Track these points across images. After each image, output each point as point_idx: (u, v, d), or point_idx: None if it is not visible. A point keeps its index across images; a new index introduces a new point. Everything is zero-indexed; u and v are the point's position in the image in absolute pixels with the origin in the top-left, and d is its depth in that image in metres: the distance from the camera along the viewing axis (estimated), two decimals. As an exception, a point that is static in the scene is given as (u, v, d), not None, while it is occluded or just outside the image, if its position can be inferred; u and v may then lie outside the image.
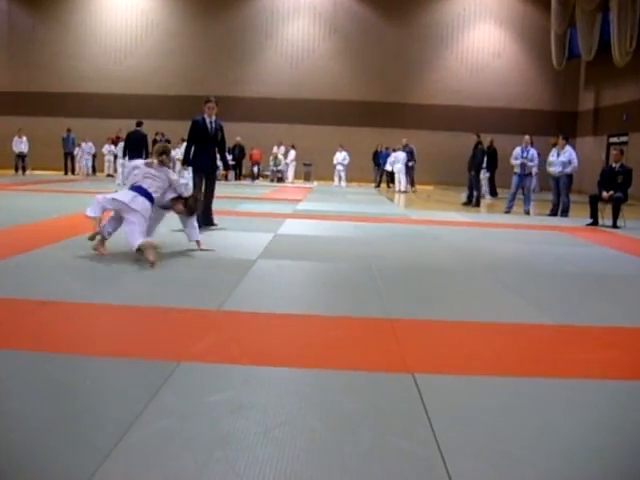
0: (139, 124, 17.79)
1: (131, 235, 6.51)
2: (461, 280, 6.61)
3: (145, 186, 6.82)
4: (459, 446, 2.71)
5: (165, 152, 7.27)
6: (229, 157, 27.59)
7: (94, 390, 3.23)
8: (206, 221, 9.36)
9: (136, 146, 17.45)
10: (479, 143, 17.80)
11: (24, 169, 25.92)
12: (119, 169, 19.94)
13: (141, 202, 6.67)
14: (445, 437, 2.76)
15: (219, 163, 10.12)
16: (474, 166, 17.44)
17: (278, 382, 3.41)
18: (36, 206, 12.72)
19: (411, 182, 23.99)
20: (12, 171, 25.74)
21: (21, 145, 25.64)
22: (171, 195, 7.12)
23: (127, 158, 17.46)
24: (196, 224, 7.41)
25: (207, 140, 9.44)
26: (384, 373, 3.58)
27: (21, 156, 25.77)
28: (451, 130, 29.19)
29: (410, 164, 23.32)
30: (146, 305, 4.91)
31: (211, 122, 9.48)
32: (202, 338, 4.08)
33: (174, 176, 7.24)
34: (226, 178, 27.02)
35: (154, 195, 6.86)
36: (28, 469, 2.39)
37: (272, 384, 3.37)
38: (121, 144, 19.99)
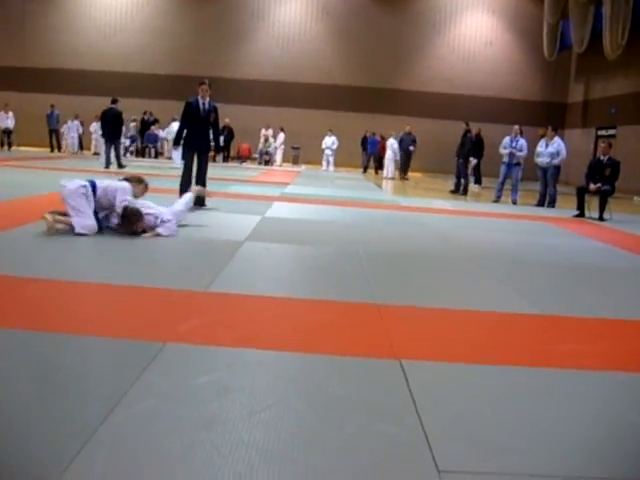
0: (114, 101, 17.63)
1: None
2: (448, 268, 6.62)
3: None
4: (445, 433, 2.71)
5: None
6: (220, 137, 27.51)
7: (79, 369, 3.20)
8: (198, 201, 9.38)
9: (112, 124, 17.35)
10: (468, 131, 17.82)
11: (9, 145, 25.69)
12: (101, 148, 19.79)
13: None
14: (431, 423, 2.76)
15: (212, 144, 10.29)
16: (462, 154, 17.46)
17: (264, 365, 3.40)
18: (20, 182, 12.56)
19: (405, 169, 24.00)
20: (-4, 146, 25.54)
21: (7, 120, 25.37)
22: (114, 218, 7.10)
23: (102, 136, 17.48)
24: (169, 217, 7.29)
25: (199, 121, 9.65)
26: (371, 358, 3.57)
27: (6, 131, 25.53)
28: (441, 118, 29.21)
29: (411, 148, 23.22)
30: (132, 285, 4.87)
31: (204, 103, 9.68)
32: (188, 319, 4.05)
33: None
34: (214, 159, 27.00)
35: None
36: (12, 447, 2.36)
37: (258, 367, 3.36)
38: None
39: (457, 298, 5.19)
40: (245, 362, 3.40)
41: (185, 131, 9.77)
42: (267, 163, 27.51)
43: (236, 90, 29.36)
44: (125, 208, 6.89)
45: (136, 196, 7.21)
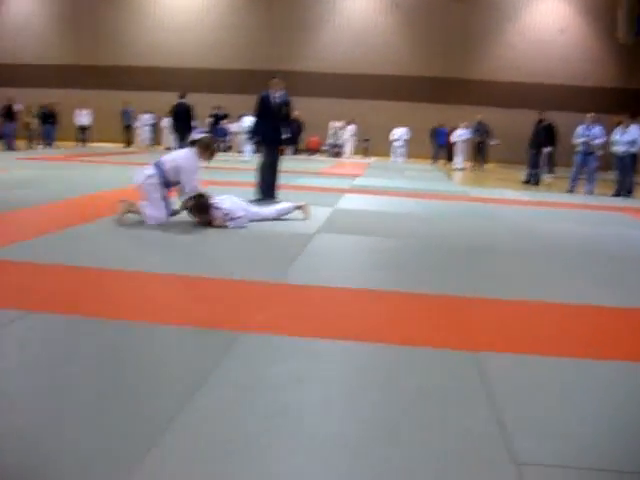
0: (182, 96, 17.79)
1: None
2: (521, 259, 6.49)
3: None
4: (522, 425, 2.68)
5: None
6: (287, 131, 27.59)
7: (158, 357, 3.29)
8: (269, 194, 9.49)
9: (182, 119, 17.51)
10: (541, 120, 17.42)
11: (84, 141, 26.37)
12: (172, 142, 20.10)
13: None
14: (508, 416, 2.74)
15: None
16: (535, 144, 17.10)
17: (339, 355, 3.42)
18: (93, 177, 12.95)
19: (482, 159, 23.64)
20: (73, 143, 26.24)
21: (82, 117, 26.07)
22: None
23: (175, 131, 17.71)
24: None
25: (271, 115, 9.62)
26: (446, 350, 3.55)
27: (82, 128, 26.23)
28: (511, 107, 28.59)
29: (492, 143, 22.91)
30: (208, 276, 4.96)
31: (275, 97, 9.65)
32: (264, 309, 4.11)
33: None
34: (283, 152, 27.14)
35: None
36: (91, 434, 2.45)
37: (333, 357, 3.38)
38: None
39: (531, 289, 5.11)
40: (320, 352, 3.43)
41: (258, 125, 9.82)
42: (337, 155, 27.49)
43: (306, 83, 29.40)
44: (194, 197, 7.08)
45: (202, 159, 7.41)
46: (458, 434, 2.58)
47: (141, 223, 7.03)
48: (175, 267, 5.27)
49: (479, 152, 23.52)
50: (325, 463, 2.31)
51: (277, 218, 7.84)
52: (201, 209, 7.12)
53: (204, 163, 7.55)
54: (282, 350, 3.42)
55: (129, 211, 7.17)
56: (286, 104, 9.82)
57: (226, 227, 7.08)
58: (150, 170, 7.25)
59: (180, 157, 7.30)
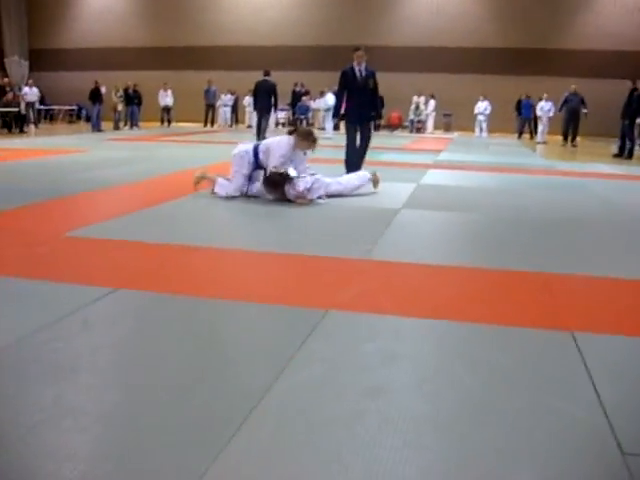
0: (267, 73, 17.66)
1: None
2: (614, 234, 6.20)
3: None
4: (627, 411, 2.52)
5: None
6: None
7: (244, 335, 3.26)
8: (351, 168, 9.30)
9: (265, 96, 17.41)
10: (634, 89, 16.66)
11: (169, 121, 26.87)
12: (252, 120, 20.16)
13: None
14: (611, 401, 2.57)
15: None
16: (628, 115, 16.36)
17: (428, 333, 3.32)
18: (181, 156, 13.15)
19: (574, 133, 21.53)
20: (158, 123, 26.74)
21: (166, 98, 26.52)
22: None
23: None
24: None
25: (358, 90, 9.23)
26: (538, 329, 3.39)
27: (166, 109, 26.70)
28: (602, 77, 27.49)
29: (584, 111, 21.51)
30: (293, 253, 4.93)
31: (360, 70, 9.25)
32: (349, 287, 4.03)
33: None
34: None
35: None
36: (179, 412, 2.42)
37: (422, 335, 3.28)
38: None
39: (627, 266, 4.84)
40: (408, 330, 3.33)
41: (341, 102, 9.50)
42: (419, 131, 27.14)
43: (385, 58, 29.01)
44: (271, 172, 7.11)
45: (300, 149, 7.34)
46: (558, 419, 2.44)
47: (223, 200, 7.09)
48: (259, 244, 5.25)
49: (571, 125, 21.43)
50: (417, 445, 2.22)
51: (354, 193, 7.72)
52: (275, 184, 7.09)
53: (309, 152, 7.52)
54: (369, 328, 3.34)
55: (203, 178, 7.56)
56: (372, 77, 9.40)
57: (305, 203, 7.01)
58: (247, 146, 7.36)
59: (274, 141, 7.33)
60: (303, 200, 7.04)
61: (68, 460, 2.05)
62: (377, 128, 26.91)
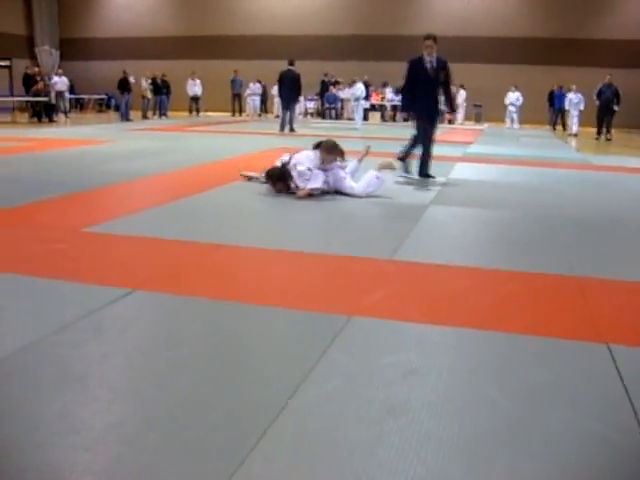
0: (291, 63, 17.48)
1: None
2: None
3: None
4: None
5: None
6: (397, 97, 27.10)
7: (263, 343, 3.12)
8: (424, 171, 8.78)
9: (290, 86, 17.24)
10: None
11: (197, 111, 26.83)
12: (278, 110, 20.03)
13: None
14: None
15: (443, 108, 9.37)
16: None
17: (454, 344, 3.14)
18: (210, 146, 13.08)
19: (608, 126, 20.33)
20: (187, 113, 26.72)
21: (195, 88, 26.47)
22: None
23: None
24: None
25: (427, 82, 8.59)
26: (572, 340, 3.21)
27: (195, 98, 26.66)
28: (636, 67, 26.93)
29: (615, 108, 20.30)
30: (317, 252, 4.78)
31: (431, 61, 8.60)
32: (374, 290, 3.87)
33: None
34: (393, 119, 26.70)
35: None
36: (195, 424, 2.30)
37: (448, 346, 3.11)
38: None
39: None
40: (434, 340, 3.17)
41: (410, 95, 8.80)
42: (449, 122, 26.80)
43: (415, 47, 28.71)
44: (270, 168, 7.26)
45: (323, 163, 7.10)
46: (596, 446, 2.26)
47: (251, 195, 6.99)
48: (285, 243, 5.08)
49: (605, 117, 20.27)
50: (444, 472, 2.06)
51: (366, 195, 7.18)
52: (276, 178, 7.10)
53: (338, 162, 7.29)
54: (393, 337, 3.18)
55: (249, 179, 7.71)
56: (443, 69, 8.70)
57: (303, 195, 6.90)
58: (284, 158, 7.33)
59: (301, 156, 7.13)
60: (303, 192, 6.89)
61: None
62: (406, 120, 26.69)
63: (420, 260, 4.62)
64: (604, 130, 20.43)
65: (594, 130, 20.81)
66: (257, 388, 2.60)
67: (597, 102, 20.22)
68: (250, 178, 7.87)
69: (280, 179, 7.06)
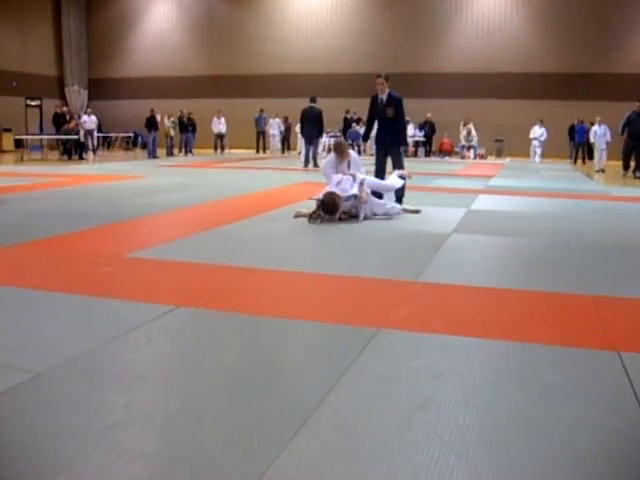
0: (313, 100, 17.75)
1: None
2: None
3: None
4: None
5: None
6: (420, 133, 27.46)
7: (299, 351, 3.42)
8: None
9: (311, 123, 17.52)
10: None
11: (222, 148, 27.37)
12: (302, 146, 20.37)
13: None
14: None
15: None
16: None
17: (476, 352, 3.41)
18: (234, 182, 13.49)
19: (637, 162, 17.83)
20: (212, 150, 27.28)
21: (220, 126, 27.04)
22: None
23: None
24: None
25: (379, 117, 9.43)
26: (587, 349, 3.46)
27: (220, 136, 27.22)
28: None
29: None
30: (345, 274, 5.07)
31: (381, 98, 9.35)
32: (400, 307, 4.16)
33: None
34: (415, 154, 27.05)
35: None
36: (238, 418, 2.58)
37: (470, 354, 3.37)
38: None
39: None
40: (457, 348, 3.43)
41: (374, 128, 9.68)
42: (477, 157, 26.98)
43: (436, 84, 29.20)
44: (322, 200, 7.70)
45: (340, 161, 8.41)
46: (605, 434, 2.51)
47: (277, 223, 7.34)
48: (315, 266, 5.40)
49: (635, 151, 17.83)
50: (464, 454, 2.32)
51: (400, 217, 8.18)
52: (329, 208, 7.54)
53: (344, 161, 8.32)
54: (419, 346, 3.45)
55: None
56: (394, 104, 9.40)
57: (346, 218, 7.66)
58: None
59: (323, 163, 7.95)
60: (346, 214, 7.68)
61: (138, 459, 2.21)
62: (428, 154, 27.04)
63: (443, 281, 4.90)
64: (634, 166, 17.98)
65: (617, 163, 19.58)
66: (296, 387, 2.89)
67: (621, 134, 18.17)
68: (304, 215, 7.98)
69: (335, 207, 7.59)
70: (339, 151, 8.58)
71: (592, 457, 2.35)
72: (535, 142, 25.66)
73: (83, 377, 2.91)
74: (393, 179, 8.81)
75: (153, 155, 22.63)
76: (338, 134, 28.47)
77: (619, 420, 2.62)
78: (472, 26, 30.07)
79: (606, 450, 2.40)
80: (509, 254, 6.33)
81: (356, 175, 7.92)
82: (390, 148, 9.46)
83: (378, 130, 9.50)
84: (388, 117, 9.30)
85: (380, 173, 9.42)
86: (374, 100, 9.47)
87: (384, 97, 9.34)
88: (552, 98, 28.32)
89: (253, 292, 4.53)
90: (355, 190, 7.67)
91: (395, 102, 9.35)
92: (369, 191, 7.91)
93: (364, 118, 26.49)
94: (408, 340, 3.54)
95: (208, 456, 2.26)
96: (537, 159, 25.42)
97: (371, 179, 8.34)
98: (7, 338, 3.42)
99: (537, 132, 25.57)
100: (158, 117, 23.25)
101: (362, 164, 8.79)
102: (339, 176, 7.91)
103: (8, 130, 26.79)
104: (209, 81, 32.54)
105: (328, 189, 7.69)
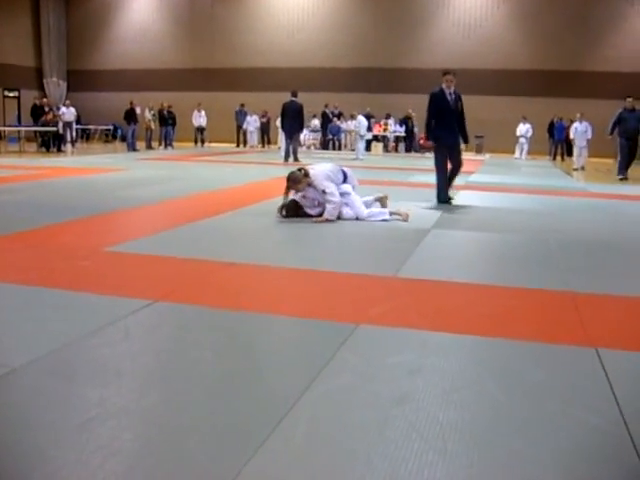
0: (294, 94, 17.75)
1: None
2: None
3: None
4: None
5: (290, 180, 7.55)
6: (400, 129, 27.56)
7: (276, 346, 3.41)
8: (443, 197, 9.38)
9: (292, 118, 17.51)
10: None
11: (203, 141, 27.27)
12: (282, 141, 20.31)
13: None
14: (631, 413, 2.64)
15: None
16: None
17: (455, 348, 3.41)
18: (213, 175, 13.46)
19: (629, 160, 16.24)
20: (192, 143, 27.16)
21: (200, 119, 26.93)
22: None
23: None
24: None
25: (448, 113, 9.33)
26: (565, 345, 3.47)
27: (200, 129, 27.11)
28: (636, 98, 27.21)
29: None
30: (324, 270, 5.06)
31: (450, 94, 9.33)
32: (379, 303, 4.15)
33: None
34: (396, 150, 27.10)
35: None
36: (215, 414, 2.56)
37: (449, 349, 3.38)
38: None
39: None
40: (436, 344, 3.43)
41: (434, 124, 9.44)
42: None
43: (417, 80, 29.17)
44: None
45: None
46: (583, 431, 2.51)
47: (256, 218, 7.26)
48: (294, 261, 5.40)
49: (627, 151, 16.25)
50: (442, 450, 2.32)
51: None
52: (290, 213, 7.44)
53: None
54: (398, 342, 3.45)
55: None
56: (459, 99, 9.50)
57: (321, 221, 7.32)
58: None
59: (321, 177, 7.55)
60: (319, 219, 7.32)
61: (114, 455, 2.19)
62: (408, 150, 27.10)
63: (422, 277, 4.90)
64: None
65: (599, 161, 19.43)
66: (274, 382, 2.87)
67: (610, 133, 16.40)
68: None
69: (296, 214, 7.45)
70: (289, 187, 7.54)
71: (568, 450, 2.36)
72: (522, 139, 25.72)
73: (59, 372, 2.88)
74: (375, 209, 7.83)
75: (133, 148, 22.49)
76: (318, 129, 28.49)
77: (597, 417, 2.63)
78: (453, 22, 30.14)
79: (583, 444, 2.41)
80: (489, 250, 6.36)
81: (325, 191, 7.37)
82: (457, 143, 9.58)
83: (444, 125, 9.31)
84: (459, 112, 9.40)
85: (444, 174, 9.42)
86: (441, 95, 9.32)
87: (452, 92, 9.35)
88: (532, 95, 28.47)
89: (232, 287, 4.51)
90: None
91: (461, 97, 9.48)
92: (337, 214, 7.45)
93: (345, 113, 26.77)
94: (387, 336, 3.53)
95: (185, 453, 2.24)
96: (523, 156, 25.48)
97: (354, 200, 7.65)
98: (-19, 332, 3.38)
99: (522, 129, 25.63)
100: (138, 110, 23.10)
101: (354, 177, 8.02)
102: (348, 186, 7.68)
103: (-15, 121, 26.56)
104: (190, 74, 32.36)
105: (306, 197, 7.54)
